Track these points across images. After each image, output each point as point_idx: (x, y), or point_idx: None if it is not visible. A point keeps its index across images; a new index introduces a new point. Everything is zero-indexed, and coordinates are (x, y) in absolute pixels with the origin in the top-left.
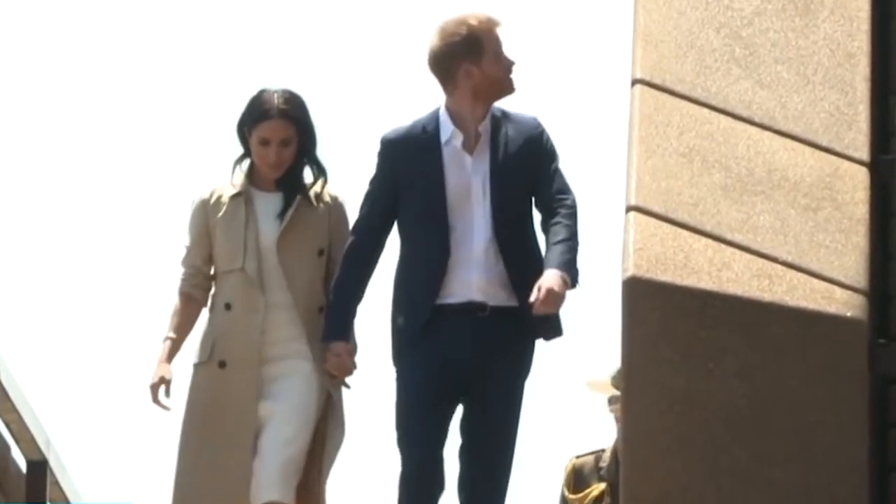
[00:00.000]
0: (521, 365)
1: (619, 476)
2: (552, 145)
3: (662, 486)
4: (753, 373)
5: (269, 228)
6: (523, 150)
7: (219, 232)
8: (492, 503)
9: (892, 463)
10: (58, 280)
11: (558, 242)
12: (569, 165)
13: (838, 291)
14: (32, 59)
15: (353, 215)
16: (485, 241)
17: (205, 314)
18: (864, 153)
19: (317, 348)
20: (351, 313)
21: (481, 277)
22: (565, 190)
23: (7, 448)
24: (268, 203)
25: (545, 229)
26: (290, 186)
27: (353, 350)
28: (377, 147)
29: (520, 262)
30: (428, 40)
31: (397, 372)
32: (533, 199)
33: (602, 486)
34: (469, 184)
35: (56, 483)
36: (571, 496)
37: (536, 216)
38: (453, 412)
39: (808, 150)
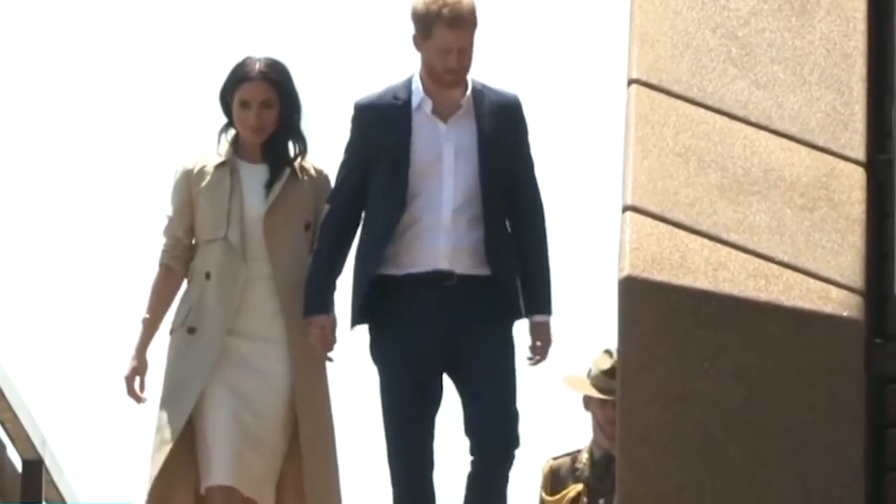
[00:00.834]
0: (504, 342)
1: (596, 477)
2: (527, 124)
3: (658, 486)
4: (750, 372)
5: (254, 200)
6: (505, 124)
7: (202, 201)
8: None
9: (888, 463)
10: (53, 279)
11: (540, 271)
12: (566, 165)
13: (835, 291)
14: (28, 54)
15: None
16: (453, 209)
17: (184, 286)
18: (860, 153)
19: (295, 326)
20: (331, 286)
21: (447, 245)
22: (538, 196)
23: (2, 447)
24: (254, 174)
25: (519, 235)
26: (277, 158)
27: (333, 323)
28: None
29: (495, 231)
30: None
31: (373, 360)
32: (505, 191)
33: (579, 486)
34: (440, 151)
35: (52, 482)
36: (549, 498)
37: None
38: (440, 387)
39: (804, 150)
